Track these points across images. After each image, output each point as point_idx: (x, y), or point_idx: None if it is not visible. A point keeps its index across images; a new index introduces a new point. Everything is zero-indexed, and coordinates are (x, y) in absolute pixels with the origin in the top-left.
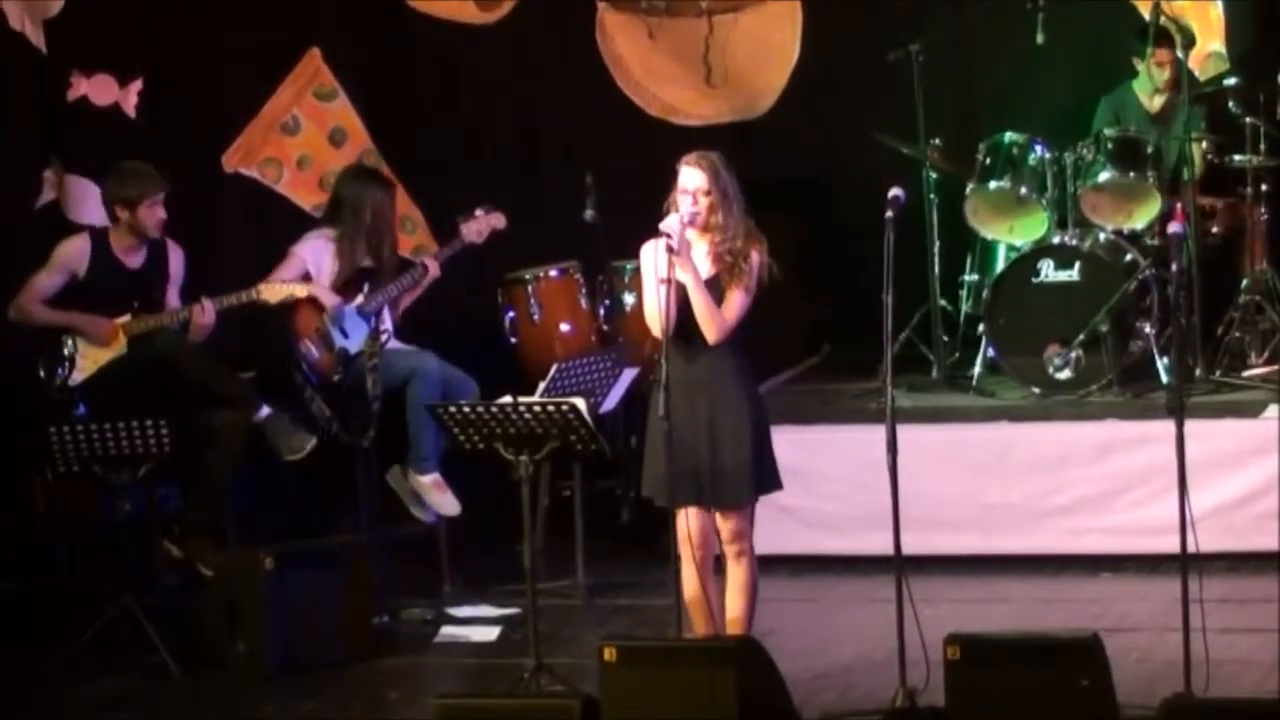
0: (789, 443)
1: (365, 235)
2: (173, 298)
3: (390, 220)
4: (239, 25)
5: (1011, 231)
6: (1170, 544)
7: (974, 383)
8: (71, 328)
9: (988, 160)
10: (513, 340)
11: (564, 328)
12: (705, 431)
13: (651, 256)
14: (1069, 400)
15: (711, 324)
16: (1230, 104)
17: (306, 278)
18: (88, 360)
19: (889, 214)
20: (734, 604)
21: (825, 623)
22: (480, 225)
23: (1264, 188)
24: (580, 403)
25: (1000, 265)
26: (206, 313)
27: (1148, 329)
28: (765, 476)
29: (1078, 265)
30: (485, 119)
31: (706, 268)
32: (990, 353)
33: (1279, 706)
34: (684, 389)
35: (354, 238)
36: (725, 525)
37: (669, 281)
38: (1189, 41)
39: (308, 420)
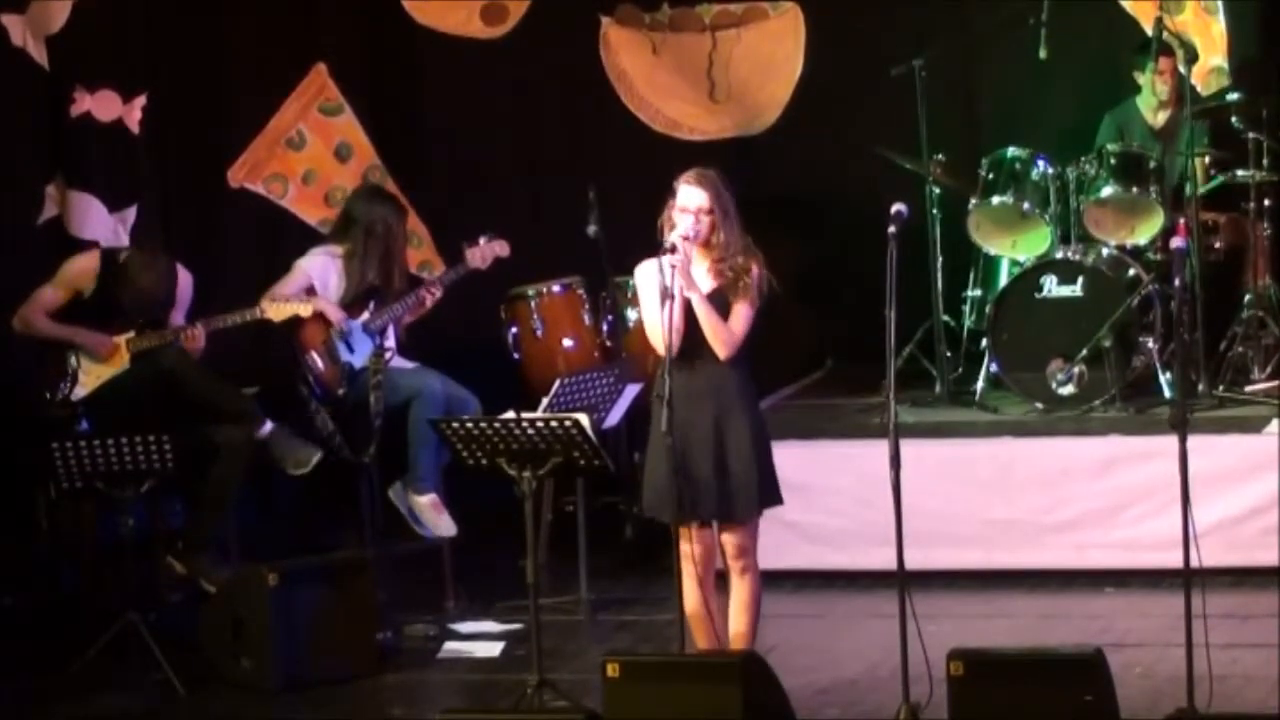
0: (792, 458)
1: (376, 255)
2: (177, 319)
3: (401, 242)
4: (244, 40)
5: (1014, 247)
6: (1173, 559)
7: (977, 398)
8: (74, 343)
9: (990, 175)
10: (516, 356)
11: (567, 343)
12: (709, 446)
13: (649, 276)
14: (1072, 415)
15: (720, 340)
16: (1233, 119)
17: (310, 292)
18: (90, 375)
19: (892, 229)
20: (738, 619)
21: (828, 638)
22: (484, 251)
23: (1267, 203)
24: (583, 418)
25: (1003, 280)
26: (197, 338)
27: (1151, 344)
28: (767, 491)
29: (1080, 280)
30: (490, 134)
31: (708, 284)
32: (993, 368)
33: None
34: (687, 404)
35: (364, 257)
36: (731, 541)
37: (672, 297)
38: (1191, 56)
39: (311, 433)
